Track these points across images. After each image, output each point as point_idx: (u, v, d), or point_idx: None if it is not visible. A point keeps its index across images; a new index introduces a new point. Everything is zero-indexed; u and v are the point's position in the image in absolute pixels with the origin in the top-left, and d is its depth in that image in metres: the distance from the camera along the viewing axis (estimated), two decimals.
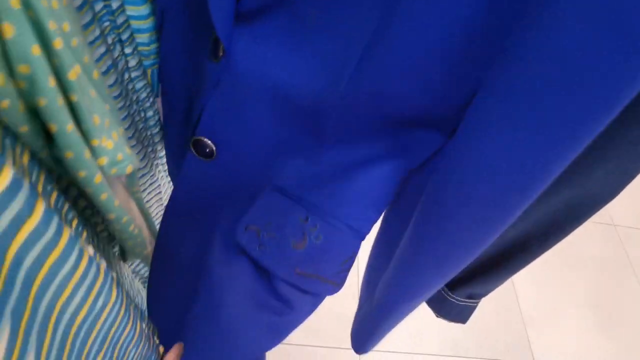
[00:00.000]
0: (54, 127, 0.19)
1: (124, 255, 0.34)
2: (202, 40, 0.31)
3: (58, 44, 0.18)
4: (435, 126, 0.28)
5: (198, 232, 0.36)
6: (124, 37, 0.32)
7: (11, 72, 0.17)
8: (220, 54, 0.29)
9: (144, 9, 0.32)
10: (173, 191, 0.37)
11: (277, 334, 0.36)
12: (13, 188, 0.14)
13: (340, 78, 0.26)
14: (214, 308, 0.36)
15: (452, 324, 1.27)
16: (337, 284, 0.34)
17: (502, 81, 0.21)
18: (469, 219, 0.25)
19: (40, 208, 0.16)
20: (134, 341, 0.27)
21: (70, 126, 0.19)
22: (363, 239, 0.34)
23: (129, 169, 0.27)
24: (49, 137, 0.21)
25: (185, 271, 0.38)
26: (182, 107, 0.38)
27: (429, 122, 0.28)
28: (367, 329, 0.44)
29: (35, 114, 0.20)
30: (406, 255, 0.32)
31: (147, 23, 0.33)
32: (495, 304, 1.37)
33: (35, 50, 0.17)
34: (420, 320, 1.28)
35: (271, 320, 0.34)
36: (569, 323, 1.39)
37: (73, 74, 0.20)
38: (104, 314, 0.22)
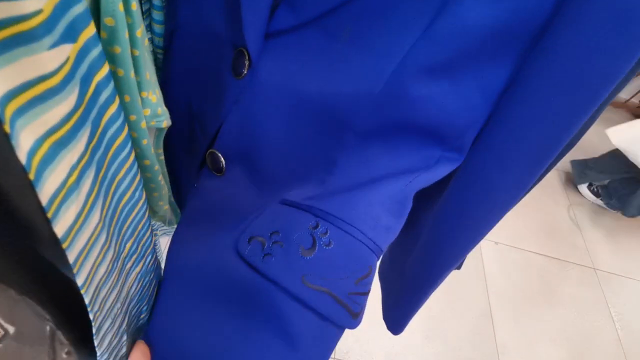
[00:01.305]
0: (121, 72, 0.24)
1: None
2: (218, 58, 0.32)
3: (134, 5, 0.24)
4: (457, 138, 0.30)
5: (203, 246, 0.33)
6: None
7: (97, 25, 0.22)
8: (245, 71, 0.29)
9: (159, 15, 0.34)
10: (186, 207, 0.37)
11: None
12: (108, 79, 0.19)
13: (375, 86, 0.27)
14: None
15: (427, 346, 1.30)
16: (351, 312, 0.29)
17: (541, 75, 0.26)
18: (513, 176, 0.30)
19: (117, 101, 0.21)
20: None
21: (132, 73, 0.24)
22: (379, 253, 0.31)
23: (164, 124, 0.32)
24: None
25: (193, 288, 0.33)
26: (184, 119, 0.38)
27: (452, 132, 0.30)
28: (403, 312, 0.45)
29: None
30: (445, 225, 0.34)
31: (160, 28, 0.36)
32: (471, 330, 1.40)
33: (120, 7, 0.22)
34: (397, 340, 1.30)
35: (270, 356, 0.28)
36: (541, 356, 1.41)
37: (139, 32, 0.25)
38: (137, 208, 0.26)
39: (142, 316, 0.40)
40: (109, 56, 0.24)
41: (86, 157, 0.18)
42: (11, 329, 0.13)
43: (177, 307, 0.32)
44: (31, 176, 0.15)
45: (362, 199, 0.30)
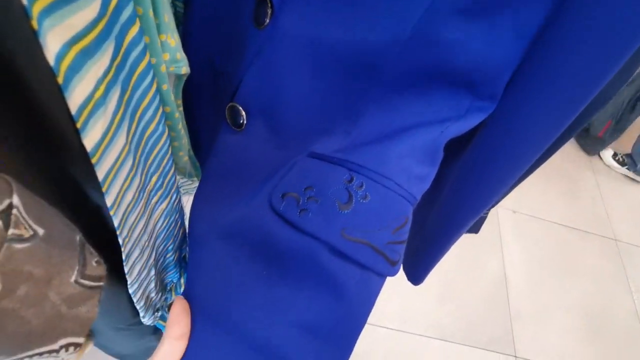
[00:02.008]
0: (140, 10, 0.24)
1: None
2: (239, 8, 0.31)
3: None
4: (490, 85, 0.30)
5: (233, 204, 0.33)
6: None
7: None
8: (267, 20, 0.28)
9: None
10: (207, 164, 0.36)
11: (321, 332, 0.29)
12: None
13: (403, 32, 0.26)
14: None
15: (440, 309, 1.32)
16: (389, 260, 0.30)
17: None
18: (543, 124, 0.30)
19: (138, 23, 0.21)
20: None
21: (151, 12, 0.24)
22: (414, 202, 0.32)
23: (184, 70, 0.32)
24: None
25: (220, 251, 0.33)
26: (207, 76, 0.37)
27: (485, 78, 0.29)
28: (424, 263, 0.46)
29: None
30: (471, 175, 0.34)
31: None
32: (485, 297, 1.41)
33: None
34: (409, 303, 1.33)
35: (316, 309, 0.28)
36: (555, 324, 1.42)
37: None
38: (161, 141, 0.28)
39: (168, 255, 0.42)
40: None
41: (111, 74, 0.19)
42: (40, 231, 0.14)
43: (212, 267, 0.32)
44: (60, 80, 0.15)
45: (394, 150, 0.30)
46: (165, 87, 0.29)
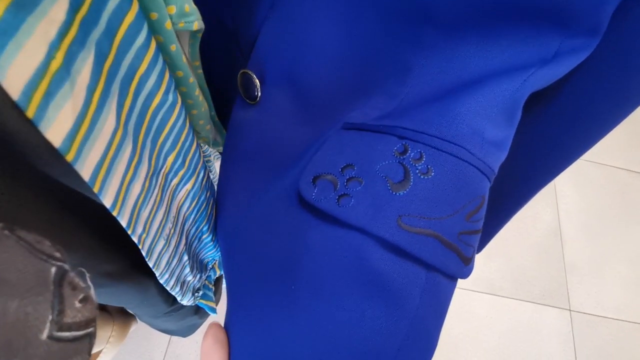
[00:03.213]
0: None
1: None
2: None
3: None
4: (589, 15, 0.20)
5: (254, 192, 0.28)
6: None
7: None
8: None
9: None
10: (224, 145, 0.32)
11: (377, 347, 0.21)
12: None
13: None
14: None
15: (488, 263, 1.26)
16: (462, 256, 0.22)
17: None
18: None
19: (136, 5, 0.15)
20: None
21: None
22: (492, 177, 0.24)
23: (195, 25, 0.25)
24: None
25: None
26: (220, 45, 0.31)
27: (582, 5, 0.20)
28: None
29: None
30: (548, 137, 0.28)
31: None
32: (537, 249, 1.33)
33: None
34: None
35: (367, 330, 0.21)
36: (614, 276, 1.33)
37: None
38: (174, 113, 0.22)
39: (203, 237, 0.38)
40: None
41: (73, 31, 0.13)
42: None
43: (241, 279, 0.26)
44: None
45: (462, 107, 0.22)
46: (173, 47, 0.23)
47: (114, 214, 0.18)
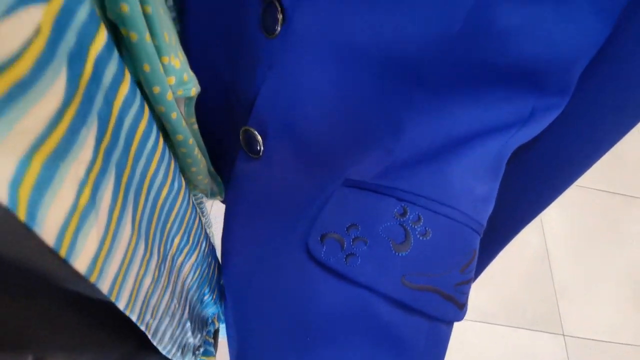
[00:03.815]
0: (134, 36, 0.18)
1: None
2: (242, 13, 0.26)
3: None
4: (560, 77, 0.23)
5: (261, 246, 0.29)
6: None
7: None
8: (278, 28, 0.23)
9: None
10: (227, 197, 0.32)
11: None
12: (109, 48, 0.14)
13: (453, 24, 0.21)
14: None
15: (480, 292, 1.27)
16: (458, 304, 0.25)
17: None
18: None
19: (128, 77, 0.16)
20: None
21: (148, 36, 0.19)
22: (481, 231, 0.27)
23: (193, 92, 0.26)
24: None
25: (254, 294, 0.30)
26: (216, 98, 0.32)
27: (554, 69, 0.23)
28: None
29: (113, 29, 0.20)
30: (534, 176, 0.30)
31: None
32: (527, 274, 1.35)
33: None
34: None
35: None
36: (604, 297, 1.35)
37: None
38: (180, 198, 0.23)
39: (205, 297, 0.38)
40: (117, 17, 0.18)
41: (99, 163, 0.14)
42: None
43: (250, 330, 0.28)
44: (22, 215, 0.10)
45: (452, 169, 0.24)
46: (174, 115, 0.24)
47: (127, 312, 0.18)
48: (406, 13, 0.21)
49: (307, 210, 0.27)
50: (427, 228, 0.24)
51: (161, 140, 0.21)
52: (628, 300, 1.35)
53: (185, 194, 0.25)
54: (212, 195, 0.44)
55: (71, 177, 0.12)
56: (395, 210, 0.24)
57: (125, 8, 0.17)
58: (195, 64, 0.31)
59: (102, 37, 0.13)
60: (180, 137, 0.25)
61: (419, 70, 0.22)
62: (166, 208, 0.22)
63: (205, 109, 0.32)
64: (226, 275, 0.31)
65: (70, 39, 0.11)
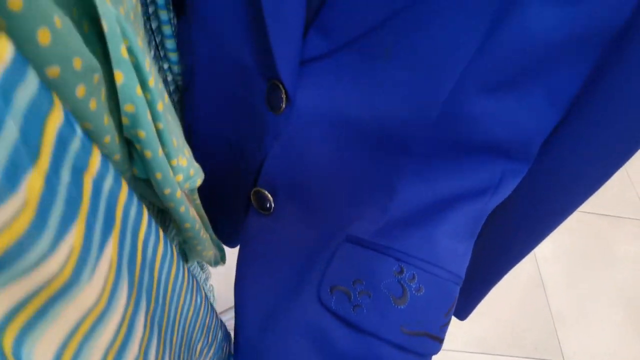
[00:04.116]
0: (149, 154, 0.22)
1: (184, 257, 0.38)
2: (249, 91, 0.30)
3: (152, 82, 0.21)
4: (524, 150, 0.28)
5: (274, 294, 0.33)
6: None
7: (117, 112, 0.20)
8: (282, 105, 0.27)
9: (174, 56, 0.33)
10: (240, 252, 0.35)
11: None
12: (154, 230, 0.17)
13: (432, 109, 0.25)
14: None
15: (478, 322, 1.27)
16: (440, 340, 0.31)
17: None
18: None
19: (175, 253, 0.18)
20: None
21: (161, 151, 0.22)
22: (460, 283, 0.32)
23: (198, 182, 0.30)
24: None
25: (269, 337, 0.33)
26: (224, 160, 0.36)
27: (518, 145, 0.27)
28: (470, 299, 0.45)
29: (125, 143, 0.23)
30: (512, 229, 0.34)
31: (178, 67, 0.34)
32: (523, 302, 1.36)
33: (139, 90, 0.20)
34: None
35: None
36: (600, 322, 1.36)
37: (160, 105, 0.23)
38: (202, 309, 0.25)
39: None
40: (133, 138, 0.22)
41: (147, 330, 0.16)
42: None
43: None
44: None
45: (439, 231, 0.29)
46: (183, 209, 0.27)
47: None
48: (391, 102, 0.25)
49: (316, 263, 0.31)
50: (420, 285, 0.29)
51: (186, 275, 0.23)
52: (623, 323, 1.37)
53: (206, 304, 0.27)
54: (215, 263, 0.46)
55: (100, 345, 0.14)
56: (394, 269, 0.29)
57: (142, 134, 0.21)
58: (204, 133, 0.35)
59: (144, 221, 0.16)
60: (187, 225, 0.28)
61: (406, 143, 0.27)
62: (191, 329, 0.25)
63: (211, 172, 0.36)
64: (240, 325, 0.34)
65: (98, 230, 0.14)
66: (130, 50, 0.20)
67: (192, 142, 0.36)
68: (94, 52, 0.16)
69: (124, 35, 0.17)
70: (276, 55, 0.24)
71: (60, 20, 0.12)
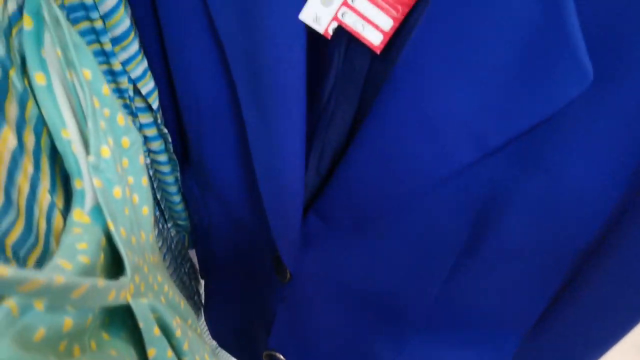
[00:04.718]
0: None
1: None
2: (257, 256, 0.33)
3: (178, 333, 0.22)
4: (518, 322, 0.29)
5: None
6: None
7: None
8: (288, 276, 0.29)
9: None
10: None
11: None
12: None
13: (431, 281, 0.26)
14: None
15: None
16: None
17: None
18: None
19: None
20: None
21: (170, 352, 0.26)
22: None
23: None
24: None
25: None
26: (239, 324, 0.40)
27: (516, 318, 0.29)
28: None
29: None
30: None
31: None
32: None
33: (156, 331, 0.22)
34: None
35: None
36: None
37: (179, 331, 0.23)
38: None
39: None
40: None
41: None
42: None
43: None
44: None
45: None
46: None
47: None
48: (386, 266, 0.27)
49: None
50: None
51: None
52: None
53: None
54: None
55: None
56: None
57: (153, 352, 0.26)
58: (215, 287, 0.40)
59: None
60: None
61: (406, 318, 0.29)
62: None
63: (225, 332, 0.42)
64: None
65: None
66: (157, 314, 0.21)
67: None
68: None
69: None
70: (278, 243, 0.27)
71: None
